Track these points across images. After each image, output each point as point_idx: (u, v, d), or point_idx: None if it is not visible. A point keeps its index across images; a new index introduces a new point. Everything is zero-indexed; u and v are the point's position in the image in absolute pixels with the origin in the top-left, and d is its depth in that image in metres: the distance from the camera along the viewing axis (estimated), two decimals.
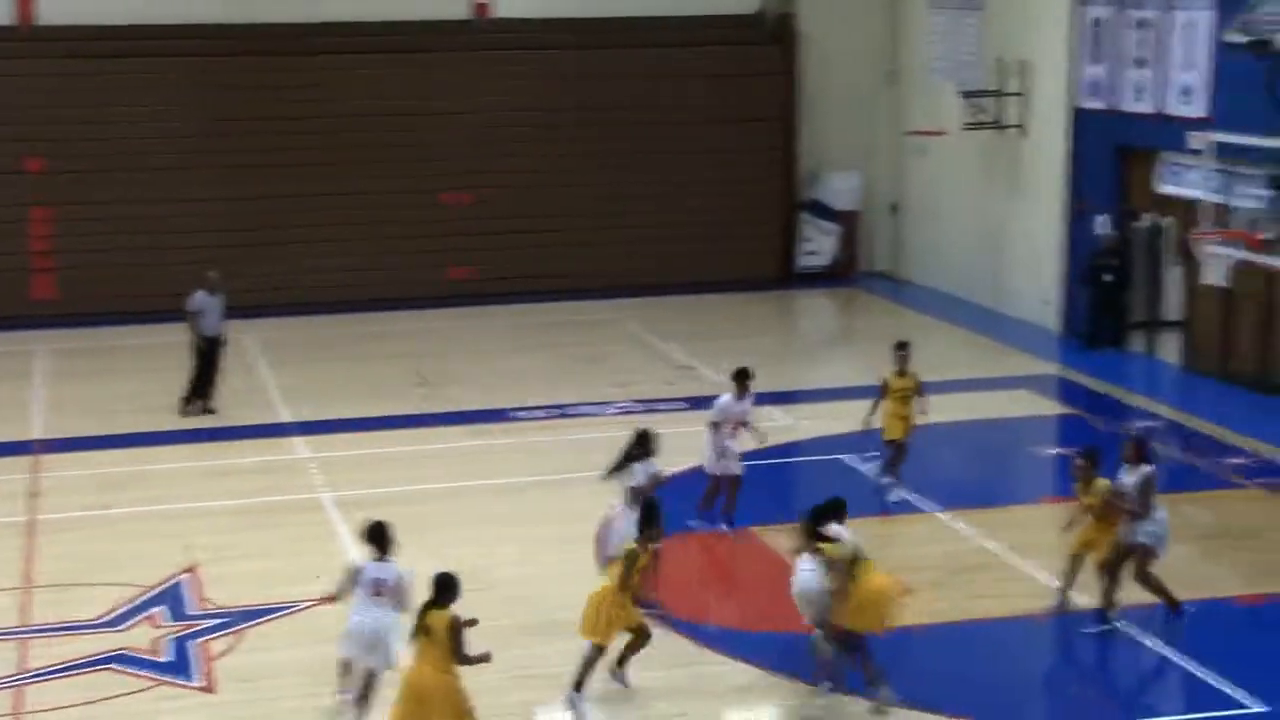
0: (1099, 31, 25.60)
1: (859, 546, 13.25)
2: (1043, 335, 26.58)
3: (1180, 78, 23.74)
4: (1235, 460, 19.60)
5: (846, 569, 12.93)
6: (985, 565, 16.21)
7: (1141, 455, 14.50)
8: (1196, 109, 23.30)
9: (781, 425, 20.42)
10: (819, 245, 31.89)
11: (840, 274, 31.86)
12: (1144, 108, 24.59)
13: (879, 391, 18.13)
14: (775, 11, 31.83)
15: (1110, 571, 14.48)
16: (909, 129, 30.65)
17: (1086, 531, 14.76)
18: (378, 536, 12.78)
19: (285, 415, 22.30)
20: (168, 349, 25.40)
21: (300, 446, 20.81)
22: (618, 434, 15.32)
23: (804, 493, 17.41)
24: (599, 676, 13.23)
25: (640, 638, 13.26)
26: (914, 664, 13.99)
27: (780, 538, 15.25)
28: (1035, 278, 27.35)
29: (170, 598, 15.56)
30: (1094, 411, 22.25)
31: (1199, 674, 13.64)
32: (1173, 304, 25.19)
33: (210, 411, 22.22)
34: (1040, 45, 27.18)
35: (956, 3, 29.17)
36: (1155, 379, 24.22)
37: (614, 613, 13.01)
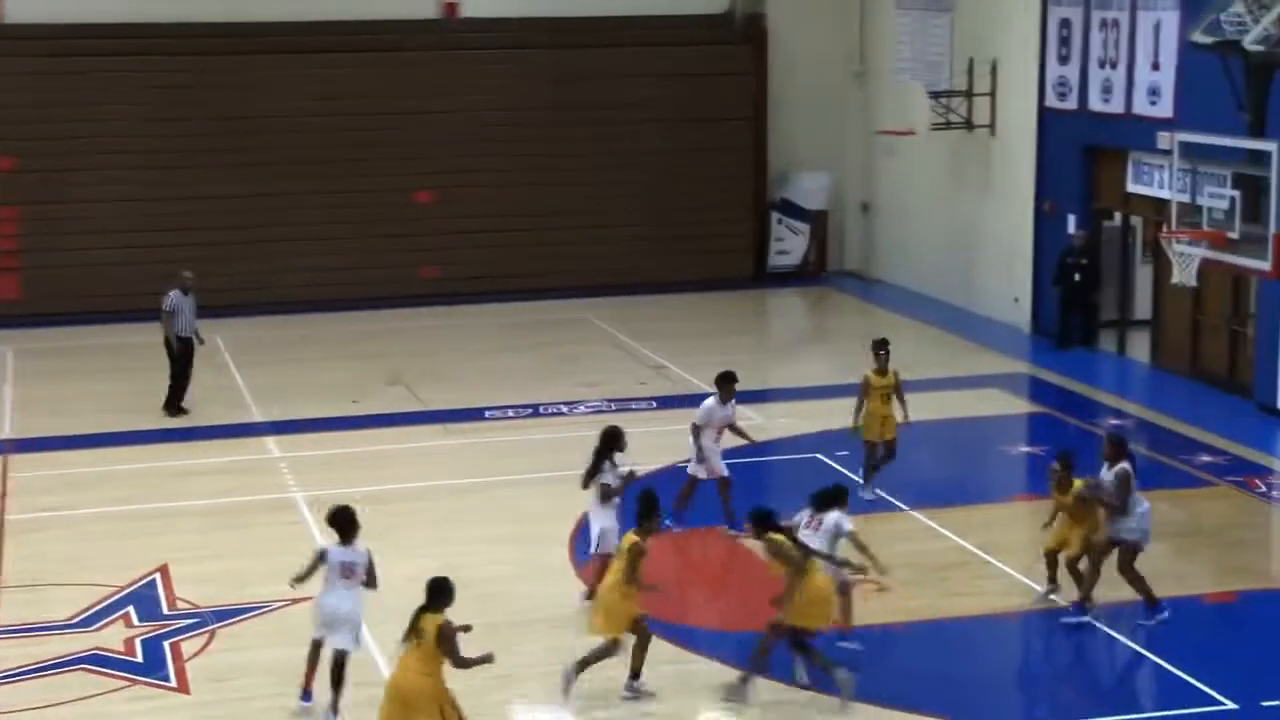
0: (1067, 32, 25.71)
1: (841, 527, 13.62)
2: (1013, 334, 26.68)
3: (1147, 78, 23.86)
4: (1205, 458, 19.70)
5: (793, 562, 13.00)
6: (959, 563, 16.26)
7: (1119, 453, 14.60)
8: (1164, 109, 23.42)
9: (755, 424, 20.43)
10: (789, 245, 31.96)
11: (811, 273, 31.92)
12: (1112, 108, 24.70)
13: (861, 390, 18.10)
14: (745, 11, 31.88)
15: (1093, 564, 14.59)
16: (879, 129, 30.73)
17: (1060, 530, 14.90)
18: (342, 521, 13.02)
19: (257, 415, 22.24)
20: (135, 349, 25.34)
21: (272, 446, 20.76)
22: (590, 433, 15.31)
23: (778, 491, 17.43)
24: (589, 676, 13.22)
25: (644, 636, 13.29)
26: (890, 662, 14.04)
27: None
28: (1005, 277, 27.45)
29: (142, 598, 15.49)
30: (1064, 410, 22.35)
31: (1171, 670, 13.70)
32: (1142, 303, 25.35)
33: (183, 411, 22.14)
34: (1008, 45, 27.29)
35: (924, 3, 29.26)
36: (1125, 378, 24.34)
37: (622, 606, 13.05)
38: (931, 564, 16.16)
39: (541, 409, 22.27)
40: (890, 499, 17.89)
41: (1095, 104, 25.12)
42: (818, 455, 19.62)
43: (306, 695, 13.11)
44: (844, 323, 29.90)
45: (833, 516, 13.85)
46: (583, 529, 15.61)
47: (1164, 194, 22.24)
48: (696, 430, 16.94)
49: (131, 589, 15.71)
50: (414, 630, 11.44)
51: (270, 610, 15.06)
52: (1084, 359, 25.04)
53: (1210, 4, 20.47)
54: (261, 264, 29.28)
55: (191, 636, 14.58)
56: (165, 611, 15.20)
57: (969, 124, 27.89)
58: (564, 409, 22.20)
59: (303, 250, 29.54)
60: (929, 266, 29.84)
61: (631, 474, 15.07)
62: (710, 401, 17.04)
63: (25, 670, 13.92)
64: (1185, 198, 20.24)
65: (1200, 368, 23.49)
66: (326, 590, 12.97)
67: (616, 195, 30.91)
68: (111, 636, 14.59)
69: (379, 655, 14.03)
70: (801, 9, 31.65)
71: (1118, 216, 25.87)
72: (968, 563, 16.28)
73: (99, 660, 14.09)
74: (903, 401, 18.02)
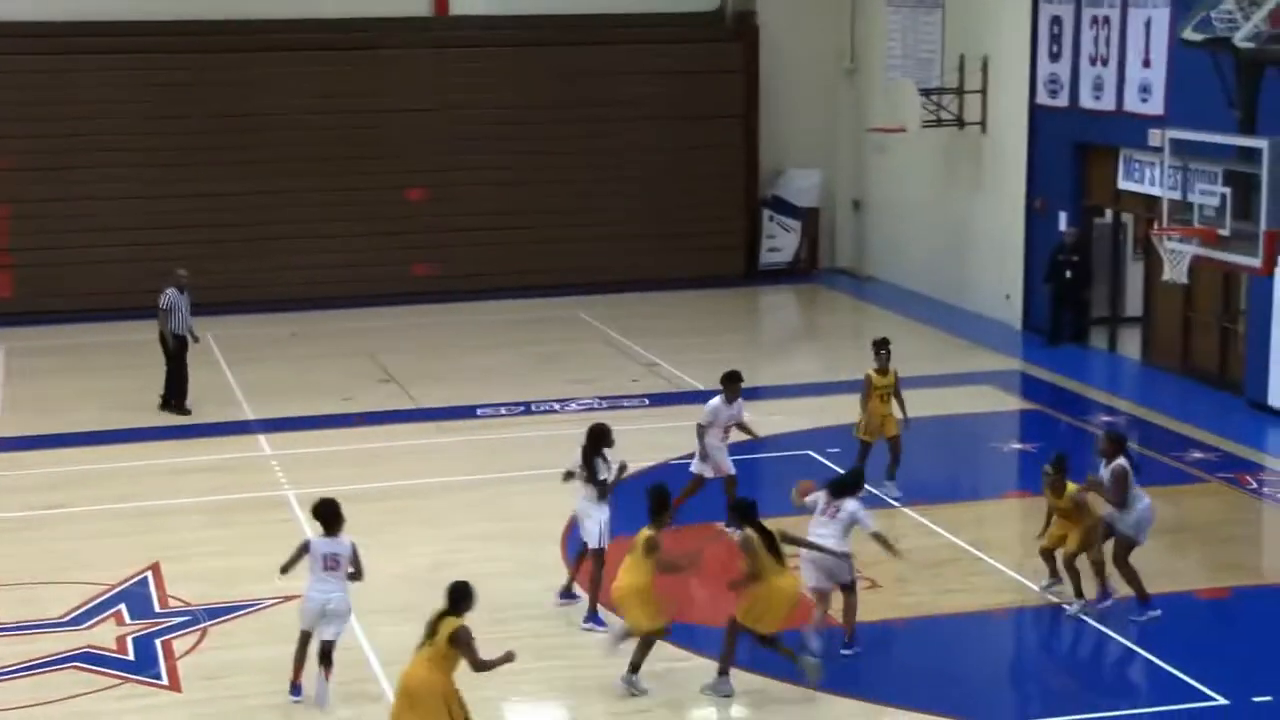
0: (1058, 29, 25.74)
1: (860, 518, 13.90)
2: (1005, 331, 26.71)
3: (1138, 75, 23.90)
4: (1196, 455, 19.73)
5: (752, 566, 13.08)
6: (952, 560, 16.28)
7: (1117, 450, 14.66)
8: (1154, 106, 23.45)
9: (746, 421, 20.44)
10: (781, 242, 31.97)
11: (802, 271, 31.94)
12: (1103, 105, 24.73)
13: (864, 390, 18.08)
14: (736, 9, 31.88)
15: (1094, 557, 14.71)
16: (870, 126, 30.74)
17: (1055, 530, 14.97)
18: (327, 513, 13.15)
19: (249, 412, 22.22)
20: (127, 347, 25.34)
21: (263, 444, 20.74)
22: (582, 431, 15.30)
23: (769, 488, 17.41)
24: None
25: (655, 634, 13.39)
26: (883, 658, 14.06)
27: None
28: (997, 274, 27.48)
29: (133, 596, 15.48)
30: (1056, 407, 22.37)
31: (1162, 666, 13.73)
32: (1133, 300, 25.39)
33: (186, 411, 22.09)
34: (999, 42, 27.31)
35: (915, 0, 29.29)
36: (1116, 375, 24.37)
37: (655, 596, 13.22)
38: (924, 561, 16.18)
39: (533, 406, 22.28)
40: (882, 496, 17.89)
41: (1086, 101, 25.16)
42: (809, 452, 19.63)
43: (296, 690, 13.17)
44: (835, 320, 29.94)
45: (850, 506, 14.00)
46: (573, 528, 15.58)
47: (1155, 191, 22.28)
48: (701, 430, 16.91)
49: (123, 587, 15.70)
50: (431, 632, 11.43)
51: (262, 608, 15.06)
52: (1075, 356, 25.08)
53: (1201, 1, 20.49)
54: (254, 261, 29.24)
55: (183, 634, 14.57)
56: (157, 609, 15.19)
57: (960, 121, 27.92)
58: (556, 407, 22.20)
59: (298, 248, 29.51)
60: (920, 264, 29.86)
61: (623, 466, 15.08)
62: (716, 401, 17.01)
63: (17, 669, 13.90)
64: (1176, 195, 20.26)
65: (1191, 364, 23.53)
66: (312, 583, 13.11)
67: (608, 193, 30.91)
68: (103, 635, 14.57)
69: (371, 653, 14.06)
70: (792, 6, 31.66)
71: (1109, 213, 25.90)
72: (960, 559, 16.30)
73: (91, 658, 14.08)
74: (901, 401, 18.03)
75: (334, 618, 13.08)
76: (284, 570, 13.29)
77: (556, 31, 30.73)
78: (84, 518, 18.01)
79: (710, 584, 15.54)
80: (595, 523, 14.76)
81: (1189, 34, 20.86)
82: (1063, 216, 25.83)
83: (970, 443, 20.96)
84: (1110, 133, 24.52)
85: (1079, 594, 14.72)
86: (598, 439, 14.95)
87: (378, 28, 30.23)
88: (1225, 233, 19.31)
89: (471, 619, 11.63)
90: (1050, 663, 14.57)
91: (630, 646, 13.42)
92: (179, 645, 14.34)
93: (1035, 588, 15.34)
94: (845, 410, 21.31)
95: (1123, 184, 24.34)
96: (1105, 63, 24.65)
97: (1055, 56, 25.86)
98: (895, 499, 17.68)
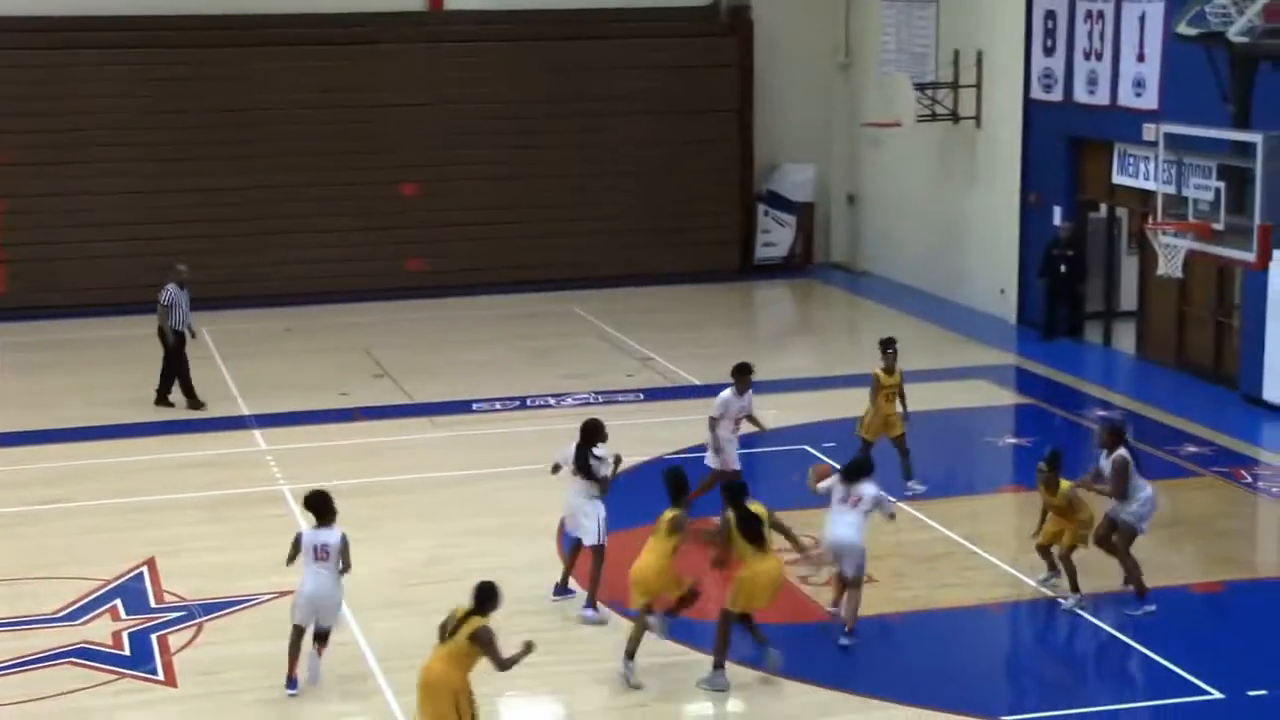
0: (1052, 23, 25.75)
1: (882, 502, 14.09)
2: (999, 326, 26.73)
3: (1132, 69, 23.91)
4: (1191, 449, 19.76)
5: (718, 547, 13.24)
6: (946, 554, 16.29)
7: (1116, 441, 14.72)
8: (1149, 101, 23.46)
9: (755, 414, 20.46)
10: (776, 237, 31.97)
11: (797, 265, 31.96)
12: (1097, 99, 24.75)
13: (872, 388, 17.99)
14: (730, 4, 31.86)
15: (1104, 547, 14.82)
16: (865, 121, 30.76)
17: (1051, 526, 15.00)
18: (317, 505, 13.30)
19: (244, 408, 22.21)
20: (122, 342, 25.36)
21: (259, 439, 20.74)
22: (576, 426, 15.28)
23: (766, 483, 17.44)
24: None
25: (644, 626, 13.47)
26: (878, 652, 14.07)
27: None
28: (992, 269, 27.49)
29: (129, 591, 15.47)
30: (1050, 401, 22.39)
31: (1157, 660, 13.75)
32: (1128, 294, 25.40)
33: (169, 404, 22.12)
34: (993, 37, 27.32)
35: None
36: (1111, 369, 24.40)
37: (671, 576, 13.37)
38: (919, 555, 16.20)
39: (528, 401, 22.28)
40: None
41: (1080, 96, 25.17)
42: (804, 447, 19.64)
43: (292, 683, 13.21)
44: (830, 315, 29.97)
45: (870, 492, 14.18)
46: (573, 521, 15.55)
47: (1149, 185, 22.27)
48: (714, 422, 16.90)
49: (118, 582, 15.69)
50: (454, 630, 11.42)
51: (258, 603, 15.07)
52: (1070, 350, 25.10)
53: None
54: (248, 256, 29.25)
55: (179, 630, 14.57)
56: (152, 605, 15.18)
57: (955, 116, 27.93)
58: (551, 401, 22.21)
59: (294, 243, 29.51)
60: (915, 258, 29.88)
61: (618, 459, 15.09)
62: (727, 393, 17.00)
63: (12, 664, 13.90)
64: (1170, 189, 20.23)
65: (1186, 359, 23.55)
66: (304, 576, 13.23)
67: (603, 188, 30.91)
68: (99, 630, 14.57)
69: (367, 648, 14.06)
70: (787, 1, 31.65)
71: (1103, 208, 25.92)
72: (955, 553, 16.32)
73: (86, 654, 14.08)
74: (903, 398, 18.03)
75: (325, 609, 13.20)
76: (288, 563, 13.44)
77: (551, 26, 30.72)
78: (79, 513, 18.00)
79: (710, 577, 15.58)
80: (593, 520, 14.76)
81: (1183, 28, 20.85)
82: (1057, 211, 25.85)
83: (965, 437, 20.97)
84: (1105, 127, 24.54)
85: (1075, 588, 14.75)
86: (591, 435, 14.95)
87: (373, 23, 30.20)
88: (1220, 227, 19.29)
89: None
90: (1046, 657, 14.59)
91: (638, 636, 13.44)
92: (174, 640, 14.34)
93: (1031, 582, 15.37)
94: (840, 405, 21.38)
95: (1117, 178, 24.36)
96: (1100, 57, 24.66)
97: (1049, 51, 25.87)
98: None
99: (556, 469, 15.22)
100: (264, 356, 25.39)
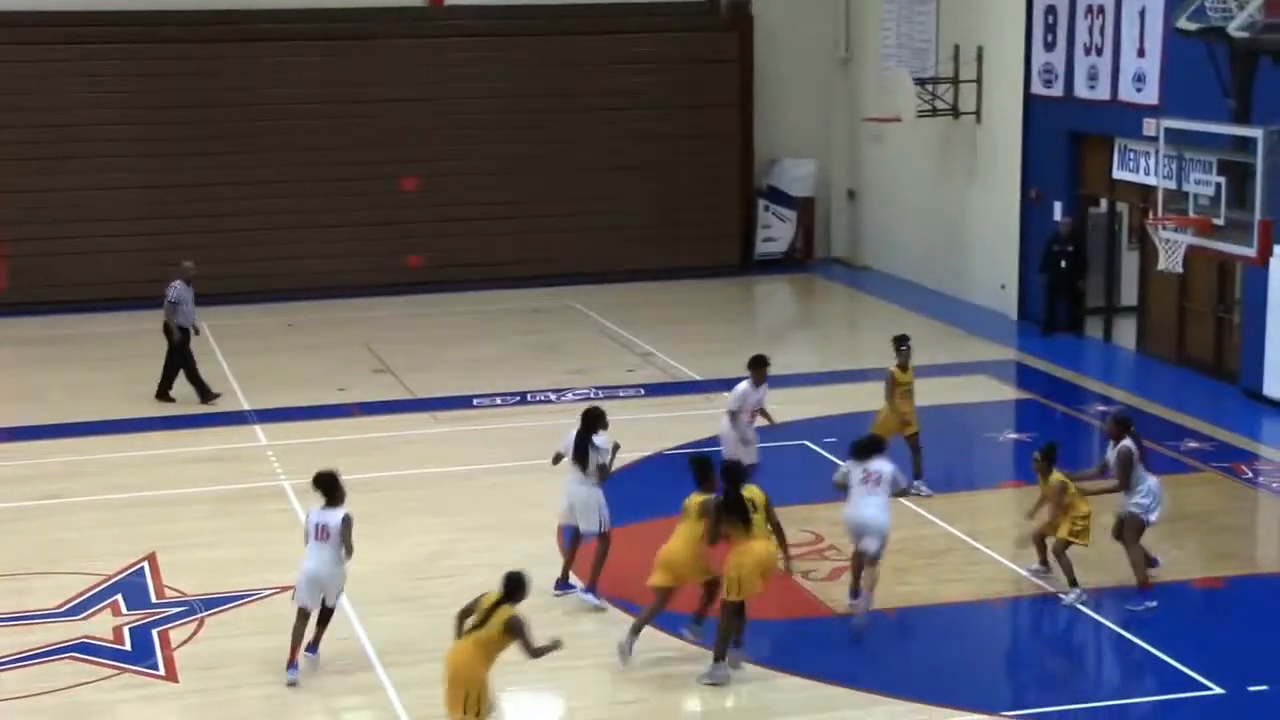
0: (1052, 18, 25.74)
1: (898, 478, 14.48)
2: (1000, 321, 26.73)
3: (1133, 64, 23.89)
4: (1191, 444, 19.76)
5: (708, 527, 13.30)
6: (947, 549, 16.29)
7: (1122, 432, 14.77)
8: (1149, 95, 23.46)
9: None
10: (776, 232, 31.98)
11: (797, 260, 31.97)
12: (1097, 94, 24.74)
13: (888, 387, 17.91)
14: None
15: (1119, 539, 14.87)
16: (865, 116, 30.75)
17: (1046, 514, 15.00)
18: (324, 484, 13.46)
19: (244, 403, 22.21)
20: (121, 337, 25.35)
21: (259, 434, 20.74)
22: (578, 421, 15.29)
23: (764, 478, 17.42)
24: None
25: (659, 608, 13.57)
26: (880, 647, 14.07)
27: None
28: (992, 264, 27.49)
29: (130, 586, 15.47)
30: (1051, 397, 22.40)
31: (1158, 655, 13.75)
32: (1128, 290, 25.40)
33: (170, 400, 22.12)
34: (994, 32, 27.31)
35: None
36: (1111, 364, 24.40)
37: (700, 564, 13.46)
38: (920, 550, 16.20)
39: (529, 397, 22.28)
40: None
41: (1081, 91, 25.16)
42: (805, 442, 19.64)
43: (293, 666, 13.25)
44: (830, 310, 29.97)
45: (888, 468, 14.42)
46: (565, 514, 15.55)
47: (1150, 180, 22.30)
48: (733, 416, 16.88)
49: (119, 577, 15.70)
50: (485, 617, 11.46)
51: (259, 598, 15.06)
52: (1070, 345, 25.10)
53: None
54: (251, 251, 29.24)
55: (180, 625, 14.57)
56: (153, 600, 15.18)
57: (955, 111, 27.92)
58: (552, 397, 22.21)
59: (293, 238, 29.52)
60: (915, 253, 29.88)
61: (616, 446, 15.10)
62: (744, 385, 16.96)
63: (13, 659, 13.90)
64: (1171, 184, 20.27)
65: (1186, 354, 23.55)
66: (305, 555, 13.39)
67: (602, 183, 30.89)
68: (100, 625, 14.57)
69: (367, 642, 14.07)
70: None
71: (1104, 203, 25.92)
72: (956, 549, 16.32)
73: (88, 649, 14.07)
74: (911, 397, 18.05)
75: (326, 588, 13.30)
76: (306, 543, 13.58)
77: (550, 21, 30.73)
78: (80, 508, 18.00)
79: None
80: (595, 509, 14.77)
81: (1183, 23, 20.87)
82: (1057, 206, 25.84)
83: (965, 432, 20.96)
84: (1105, 122, 24.53)
85: (1073, 583, 14.76)
86: (592, 422, 14.96)
87: (374, 17, 30.21)
88: (1220, 222, 19.32)
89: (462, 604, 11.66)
90: (1046, 652, 14.59)
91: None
92: (175, 635, 14.34)
93: (1024, 572, 15.35)
94: (840, 400, 21.42)
95: (1118, 173, 24.36)
96: (1100, 52, 24.66)
97: (1050, 46, 25.86)
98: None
99: (558, 459, 15.24)
100: (265, 352, 25.40)
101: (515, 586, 11.63)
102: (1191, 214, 19.78)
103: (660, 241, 30.99)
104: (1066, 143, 25.75)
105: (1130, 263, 25.39)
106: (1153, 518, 14.87)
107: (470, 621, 11.54)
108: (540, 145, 30.53)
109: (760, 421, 17.21)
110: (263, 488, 18.54)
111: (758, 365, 16.97)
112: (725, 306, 29.33)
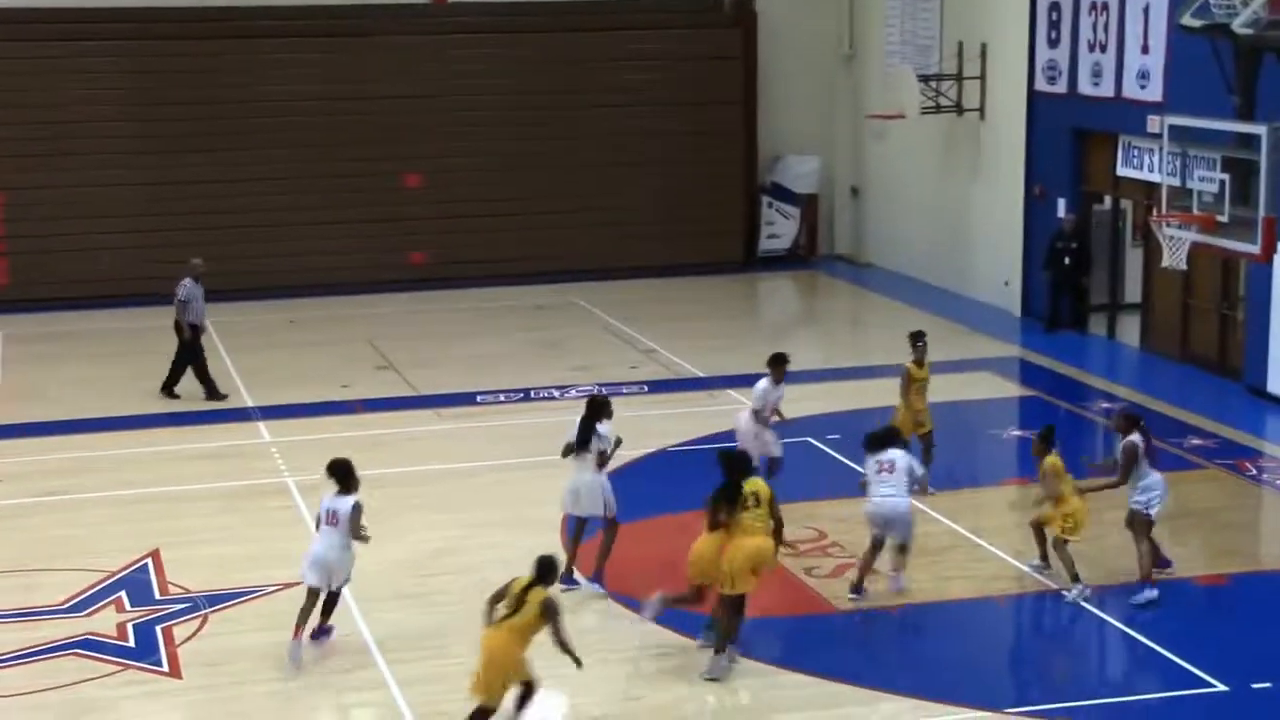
0: (1056, 15, 25.73)
1: (913, 467, 14.65)
2: (1004, 318, 26.72)
3: (1137, 61, 23.88)
4: (1195, 441, 19.74)
5: (712, 519, 13.30)
6: (951, 547, 16.28)
7: (1129, 428, 14.80)
8: (1153, 92, 23.44)
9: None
10: (780, 229, 31.98)
11: (801, 257, 31.97)
12: (1101, 91, 24.72)
13: (903, 384, 17.87)
14: None
15: (1136, 540, 14.89)
16: (869, 113, 30.74)
17: (1043, 501, 15.07)
18: (337, 472, 13.68)
19: (248, 399, 22.22)
20: (122, 334, 25.36)
21: (263, 431, 20.75)
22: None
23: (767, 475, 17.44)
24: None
25: (691, 601, 13.64)
26: (883, 645, 14.08)
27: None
28: (996, 261, 27.48)
29: (134, 583, 15.48)
30: (1054, 394, 22.38)
31: (1161, 652, 13.75)
32: (1132, 286, 25.40)
33: (175, 396, 22.13)
34: (998, 29, 27.30)
35: None
36: (1115, 361, 24.38)
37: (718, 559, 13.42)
38: (924, 547, 16.15)
39: (533, 393, 22.29)
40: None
41: (1085, 87, 25.15)
42: (809, 439, 19.64)
43: (295, 648, 13.39)
44: (834, 307, 29.96)
45: (904, 458, 14.56)
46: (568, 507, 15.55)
47: (1154, 177, 22.31)
48: (758, 415, 16.83)
49: (123, 574, 15.70)
50: (519, 601, 11.59)
51: (263, 595, 15.07)
52: (1074, 342, 25.09)
53: None
54: (253, 248, 29.24)
55: (184, 621, 14.57)
56: (157, 596, 15.18)
57: (959, 108, 27.92)
58: (555, 393, 22.21)
59: (295, 235, 29.53)
60: (919, 250, 29.87)
61: (619, 441, 15.10)
62: (764, 383, 16.95)
63: (18, 655, 13.90)
64: (1175, 181, 20.30)
65: (1190, 351, 23.54)
66: (315, 539, 13.64)
67: (606, 179, 30.91)
68: (104, 621, 14.57)
69: (370, 639, 14.07)
70: None
71: (1108, 200, 25.91)
72: (959, 546, 16.31)
73: (91, 645, 14.08)
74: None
75: (331, 571, 13.45)
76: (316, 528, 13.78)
77: (554, 18, 30.74)
78: (83, 505, 18.01)
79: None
80: (599, 496, 14.78)
81: (1188, 20, 20.88)
82: (1061, 203, 25.83)
83: (969, 429, 20.96)
84: (1109, 119, 24.51)
85: (1075, 578, 14.75)
86: (597, 409, 14.98)
87: (377, 14, 30.23)
88: (1224, 219, 19.35)
89: (469, 604, 11.66)
90: (1050, 649, 14.58)
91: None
92: (179, 632, 14.34)
93: (1026, 568, 15.36)
94: (844, 397, 21.41)
95: (1122, 170, 24.34)
96: (1104, 49, 24.64)
97: (1054, 43, 25.84)
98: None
99: (568, 450, 15.15)
100: (268, 349, 25.41)
101: (547, 569, 11.85)
102: (1195, 211, 19.81)
103: (664, 238, 31.00)
104: (1070, 139, 25.73)
105: (1134, 260, 25.38)
106: (1154, 511, 14.87)
107: (502, 607, 11.66)
108: (544, 142, 30.54)
109: (774, 418, 17.22)
110: (266, 484, 18.55)
111: (777, 363, 16.96)
112: (728, 303, 29.33)
